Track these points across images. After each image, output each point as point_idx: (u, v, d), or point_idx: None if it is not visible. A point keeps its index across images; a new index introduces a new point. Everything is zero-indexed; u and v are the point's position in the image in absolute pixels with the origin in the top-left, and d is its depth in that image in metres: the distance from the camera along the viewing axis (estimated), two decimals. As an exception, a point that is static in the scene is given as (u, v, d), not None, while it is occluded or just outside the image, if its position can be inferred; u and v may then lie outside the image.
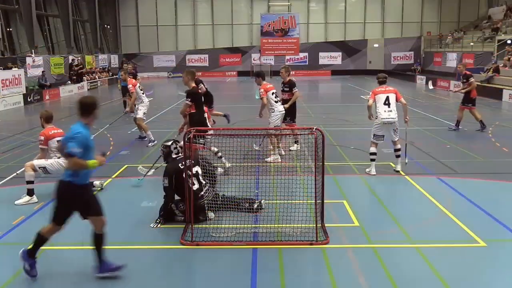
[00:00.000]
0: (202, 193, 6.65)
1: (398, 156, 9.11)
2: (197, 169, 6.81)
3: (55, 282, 5.12)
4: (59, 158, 7.79)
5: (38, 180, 7.90)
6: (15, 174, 7.80)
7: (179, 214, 6.60)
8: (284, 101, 10.41)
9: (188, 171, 6.48)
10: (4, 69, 22.91)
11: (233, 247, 5.81)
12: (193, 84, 8.31)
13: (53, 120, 8.03)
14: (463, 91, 13.64)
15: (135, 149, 11.63)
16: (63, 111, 19.11)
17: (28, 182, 7.60)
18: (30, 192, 7.61)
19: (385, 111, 8.76)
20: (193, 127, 7.12)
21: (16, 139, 13.11)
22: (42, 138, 7.75)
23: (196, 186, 6.56)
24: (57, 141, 7.83)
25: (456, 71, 29.80)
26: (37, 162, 7.74)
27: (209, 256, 5.68)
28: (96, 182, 8.16)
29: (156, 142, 11.66)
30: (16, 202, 7.54)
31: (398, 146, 9.05)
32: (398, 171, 9.02)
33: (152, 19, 43.00)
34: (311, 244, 5.85)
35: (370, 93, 9.11)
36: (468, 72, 13.77)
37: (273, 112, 9.96)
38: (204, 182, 6.83)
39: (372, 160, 9.03)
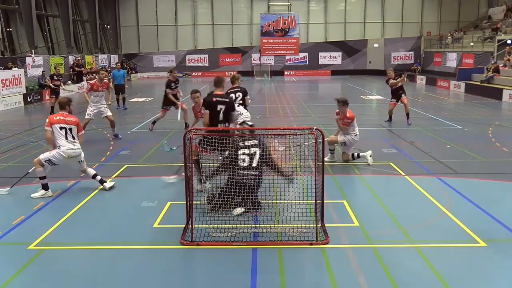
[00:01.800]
0: (247, 171, 6.76)
1: None
2: (256, 150, 6.91)
3: (56, 282, 5.11)
4: (59, 148, 7.78)
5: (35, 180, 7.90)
6: (27, 173, 7.86)
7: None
8: None
9: (242, 145, 6.85)
10: (4, 69, 22.90)
11: (233, 247, 5.81)
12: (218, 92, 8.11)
13: (68, 107, 8.12)
14: (400, 83, 14.69)
15: (135, 149, 11.64)
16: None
17: (41, 178, 7.76)
18: (45, 187, 7.78)
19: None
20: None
21: (16, 139, 13.11)
22: (47, 120, 7.92)
23: (245, 163, 6.79)
24: (60, 128, 7.85)
25: (457, 71, 29.87)
26: (42, 156, 7.82)
27: (209, 256, 5.68)
28: (106, 185, 8.18)
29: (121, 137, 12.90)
30: (32, 195, 7.69)
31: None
32: None
33: (152, 19, 43.03)
34: (311, 244, 5.85)
35: None
36: (397, 73, 15.18)
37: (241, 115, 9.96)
38: (255, 165, 6.87)
39: None
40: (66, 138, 7.86)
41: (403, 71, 15.29)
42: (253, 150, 6.88)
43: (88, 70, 33.27)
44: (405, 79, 15.00)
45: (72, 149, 7.88)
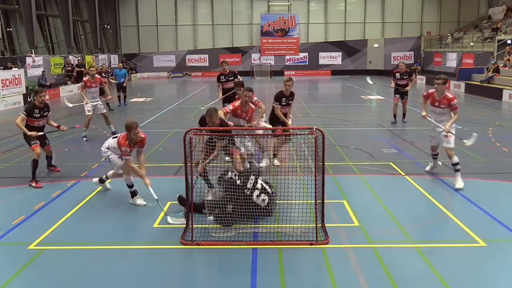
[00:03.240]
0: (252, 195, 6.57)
1: None
2: (261, 182, 6.75)
3: (56, 282, 5.12)
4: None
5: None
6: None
7: (207, 213, 6.59)
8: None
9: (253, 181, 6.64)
10: (4, 69, 22.90)
11: (233, 247, 5.81)
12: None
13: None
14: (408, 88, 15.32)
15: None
16: (63, 111, 19.10)
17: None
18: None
19: None
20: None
21: (16, 139, 13.08)
22: None
23: (255, 193, 6.57)
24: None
25: (457, 71, 29.88)
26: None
27: (209, 256, 5.69)
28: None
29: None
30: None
31: None
32: None
33: (152, 19, 43.03)
34: (311, 244, 5.85)
35: None
36: (408, 70, 15.64)
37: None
38: (261, 187, 6.68)
39: None
40: None
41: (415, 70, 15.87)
42: (258, 185, 6.66)
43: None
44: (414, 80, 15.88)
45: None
